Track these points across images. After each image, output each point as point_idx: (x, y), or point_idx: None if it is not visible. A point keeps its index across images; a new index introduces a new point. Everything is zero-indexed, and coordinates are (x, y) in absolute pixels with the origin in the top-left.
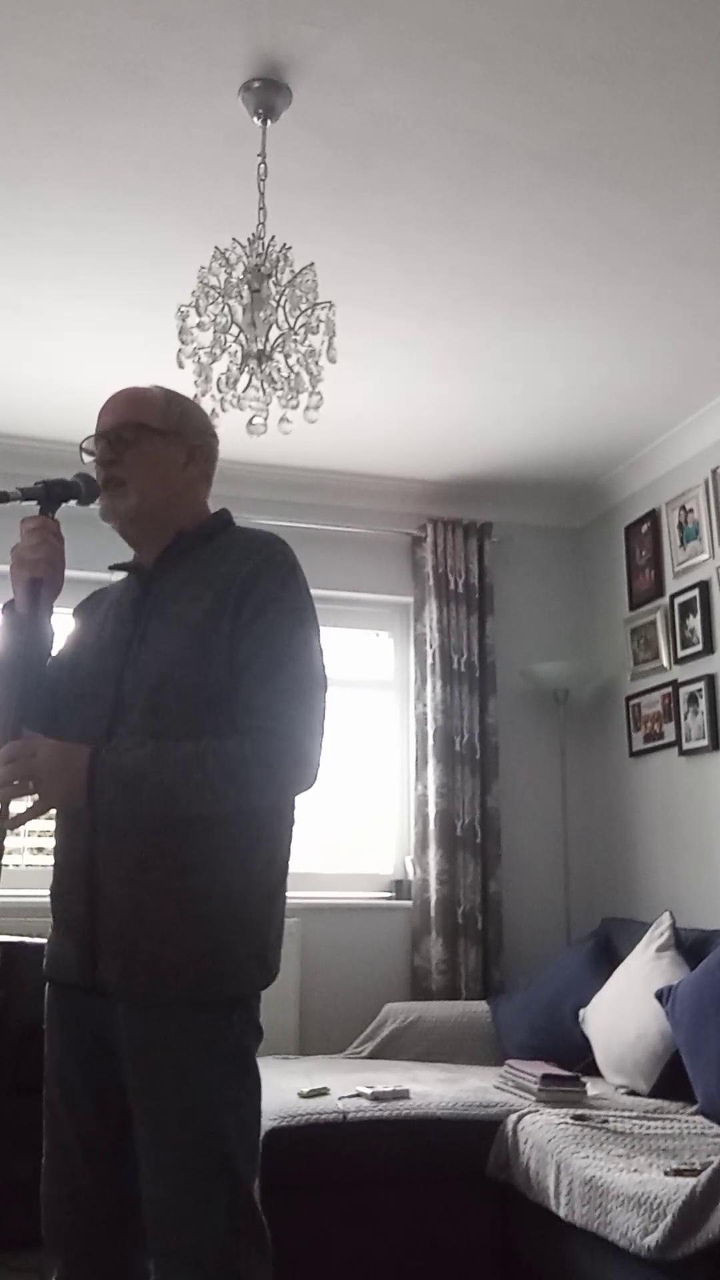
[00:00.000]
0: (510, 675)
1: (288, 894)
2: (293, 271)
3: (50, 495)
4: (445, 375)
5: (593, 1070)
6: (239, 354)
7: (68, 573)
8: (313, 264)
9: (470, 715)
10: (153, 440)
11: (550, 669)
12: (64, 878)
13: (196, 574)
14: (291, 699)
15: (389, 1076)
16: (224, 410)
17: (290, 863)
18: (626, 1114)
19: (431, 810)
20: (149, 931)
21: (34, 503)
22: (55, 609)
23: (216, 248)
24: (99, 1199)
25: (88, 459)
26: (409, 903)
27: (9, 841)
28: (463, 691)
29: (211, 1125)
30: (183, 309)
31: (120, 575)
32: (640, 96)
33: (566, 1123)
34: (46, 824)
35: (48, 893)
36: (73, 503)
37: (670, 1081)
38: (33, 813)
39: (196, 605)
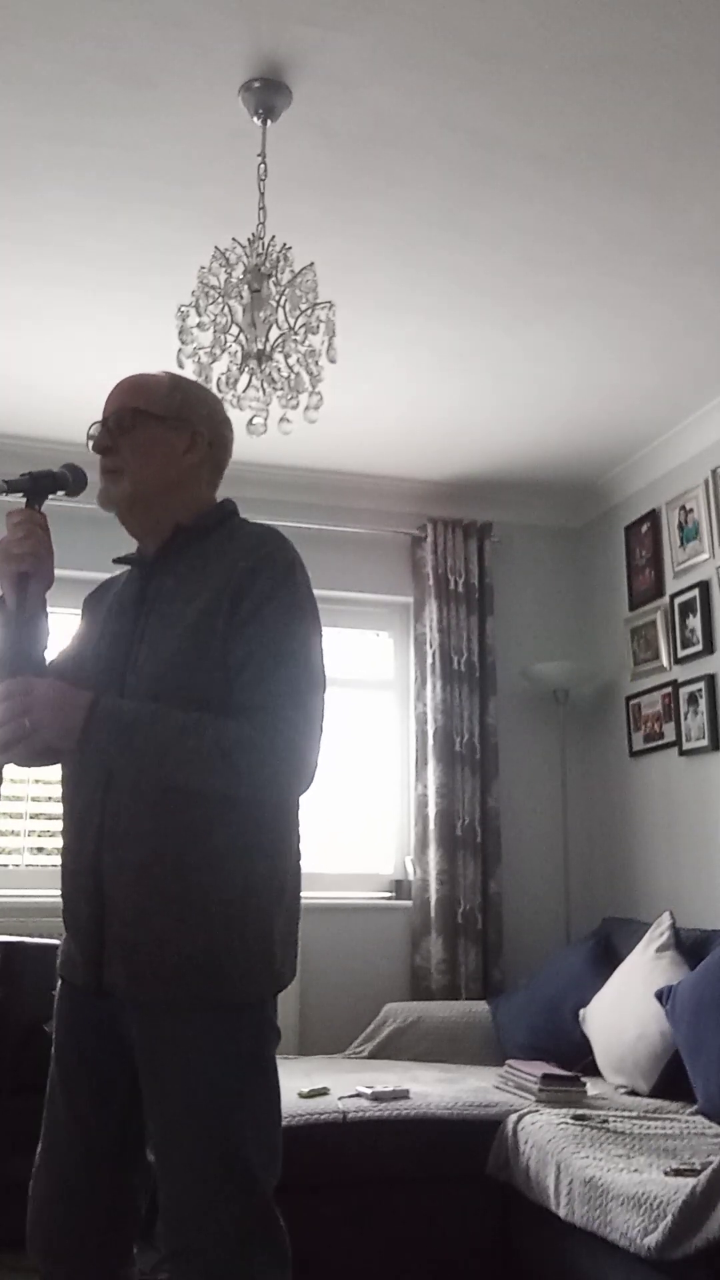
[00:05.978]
0: (510, 675)
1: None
2: (293, 271)
3: (36, 487)
4: (445, 375)
5: (593, 1070)
6: (239, 354)
7: (67, 573)
8: (313, 264)
9: (470, 715)
10: (151, 426)
11: (550, 669)
12: (70, 881)
13: (195, 570)
14: (286, 701)
15: (389, 1076)
16: None
17: (301, 866)
18: (626, 1114)
19: (431, 810)
20: (149, 935)
21: (20, 496)
22: (52, 605)
23: (216, 248)
24: (89, 1202)
25: (91, 445)
26: (409, 903)
27: (6, 842)
28: (463, 691)
29: (222, 1126)
30: (183, 309)
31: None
32: (640, 96)
33: (566, 1123)
34: (47, 824)
35: (47, 893)
36: (60, 494)
37: (670, 1081)
38: (26, 747)
39: (193, 605)
